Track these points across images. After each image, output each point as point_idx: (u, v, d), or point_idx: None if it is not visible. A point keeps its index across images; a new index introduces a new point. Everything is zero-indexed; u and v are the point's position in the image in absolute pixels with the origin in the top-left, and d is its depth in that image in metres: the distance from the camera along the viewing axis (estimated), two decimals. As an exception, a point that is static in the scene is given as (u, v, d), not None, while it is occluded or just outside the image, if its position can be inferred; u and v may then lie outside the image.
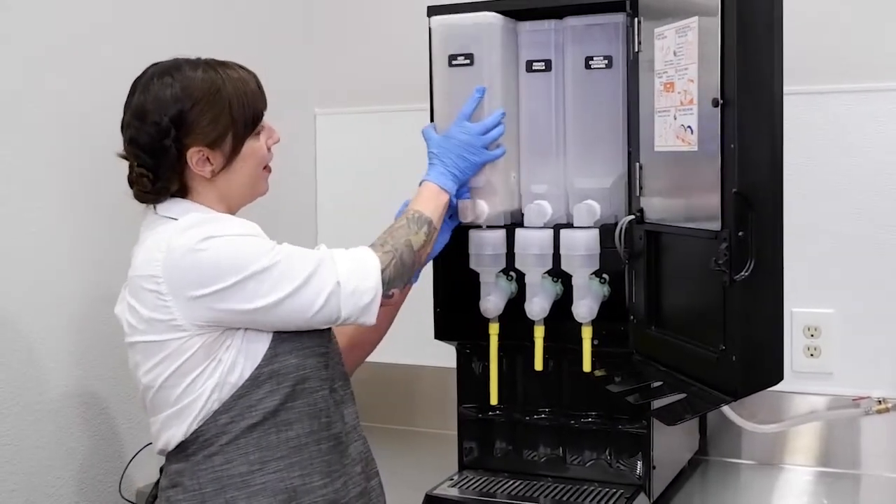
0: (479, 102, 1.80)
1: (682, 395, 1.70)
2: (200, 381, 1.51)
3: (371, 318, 1.57)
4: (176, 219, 1.55)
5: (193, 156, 1.55)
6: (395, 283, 1.62)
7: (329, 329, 1.62)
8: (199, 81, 1.55)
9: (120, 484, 1.83)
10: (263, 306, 1.49)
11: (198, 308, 1.48)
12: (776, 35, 1.55)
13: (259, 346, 1.53)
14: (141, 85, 1.57)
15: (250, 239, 1.52)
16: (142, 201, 1.59)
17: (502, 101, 1.84)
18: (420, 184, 1.77)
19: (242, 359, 1.52)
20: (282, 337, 1.54)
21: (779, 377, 1.61)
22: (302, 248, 1.56)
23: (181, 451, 1.55)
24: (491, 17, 1.82)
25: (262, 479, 1.52)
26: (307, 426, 1.56)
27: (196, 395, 1.52)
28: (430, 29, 1.86)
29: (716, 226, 1.53)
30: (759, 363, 1.58)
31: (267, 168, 1.65)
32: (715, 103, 1.51)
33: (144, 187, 1.56)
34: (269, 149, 1.63)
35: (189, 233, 1.49)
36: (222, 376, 1.51)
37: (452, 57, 1.83)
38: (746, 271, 1.51)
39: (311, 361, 1.57)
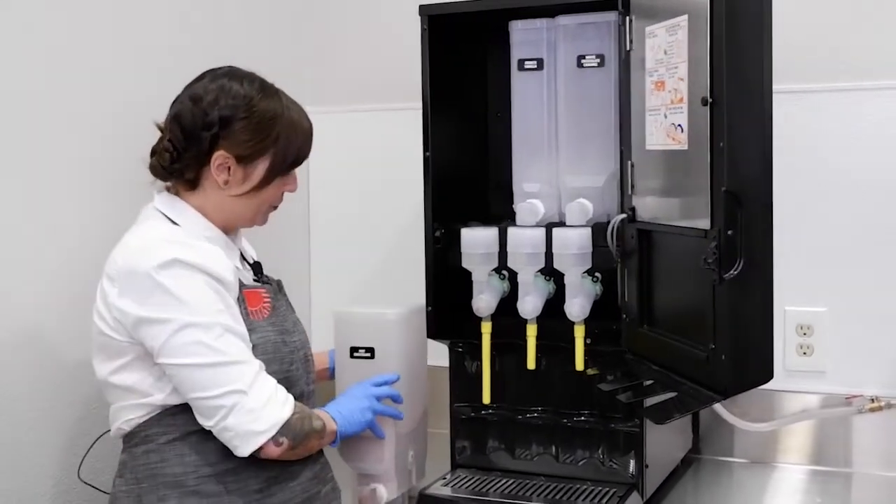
0: (391, 382, 1.80)
1: (673, 394, 1.70)
2: (143, 386, 1.54)
3: (242, 451, 1.51)
4: (169, 217, 1.59)
5: (218, 158, 1.57)
6: (290, 435, 1.53)
7: (283, 347, 1.62)
8: (263, 102, 1.59)
9: (79, 468, 1.83)
10: (165, 363, 1.50)
11: (128, 323, 1.51)
12: (765, 33, 1.55)
13: None
14: (212, 74, 1.62)
15: (203, 284, 1.51)
16: (153, 174, 1.62)
17: (403, 391, 1.84)
18: None
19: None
20: None
21: (768, 376, 1.61)
22: (239, 339, 1.53)
23: (127, 441, 1.59)
24: (391, 315, 1.85)
25: (196, 482, 1.54)
26: None
27: (137, 397, 1.55)
28: (335, 323, 1.88)
29: (705, 224, 1.53)
30: (749, 362, 1.58)
31: (275, 207, 1.69)
32: (704, 102, 1.51)
33: (163, 161, 1.59)
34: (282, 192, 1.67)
35: (157, 251, 1.51)
36: (165, 396, 1.54)
37: (353, 349, 1.85)
38: (736, 270, 1.50)
39: None
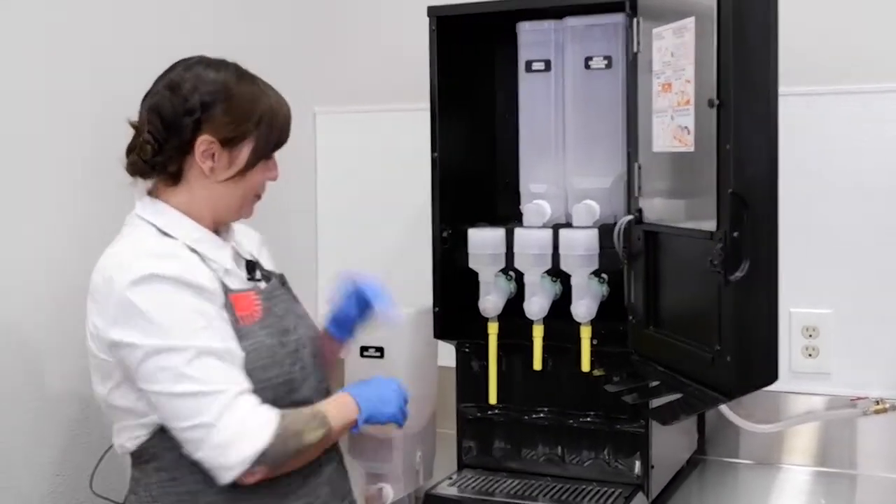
0: (402, 392, 1.69)
1: (679, 395, 1.70)
2: (139, 406, 1.50)
3: (220, 482, 1.46)
4: (154, 223, 1.55)
5: (202, 144, 1.53)
6: (268, 462, 1.46)
7: (280, 349, 1.56)
8: (241, 86, 1.57)
9: (91, 480, 1.82)
10: (140, 387, 1.47)
11: (104, 344, 1.48)
12: (772, 36, 1.55)
13: None
14: (184, 64, 1.58)
15: (181, 300, 1.46)
16: (133, 172, 1.57)
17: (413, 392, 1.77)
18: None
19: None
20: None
21: (773, 377, 1.60)
22: (216, 360, 1.46)
23: (137, 457, 1.55)
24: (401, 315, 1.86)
25: (210, 499, 1.49)
26: None
27: (136, 418, 1.51)
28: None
29: (711, 226, 1.53)
30: (754, 363, 1.58)
31: (258, 196, 1.64)
32: (711, 104, 1.51)
33: (145, 155, 1.54)
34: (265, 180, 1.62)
35: (132, 266, 1.46)
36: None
37: (363, 349, 1.90)
38: (741, 272, 1.51)
39: (265, 394, 1.51)
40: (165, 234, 1.54)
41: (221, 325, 1.50)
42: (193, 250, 1.54)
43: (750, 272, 1.51)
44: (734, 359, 1.53)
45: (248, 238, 1.73)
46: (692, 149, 1.59)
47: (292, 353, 1.58)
